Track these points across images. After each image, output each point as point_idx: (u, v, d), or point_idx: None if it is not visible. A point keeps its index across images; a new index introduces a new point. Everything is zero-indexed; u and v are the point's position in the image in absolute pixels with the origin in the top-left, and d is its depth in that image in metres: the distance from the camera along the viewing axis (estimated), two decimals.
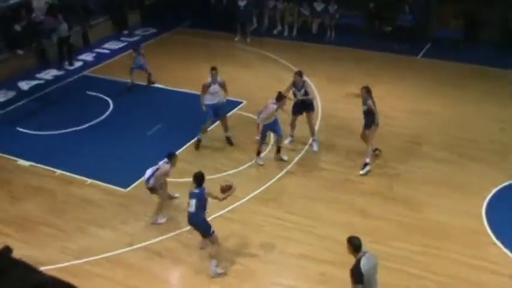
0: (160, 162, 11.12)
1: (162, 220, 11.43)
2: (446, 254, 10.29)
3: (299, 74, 13.62)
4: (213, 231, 9.78)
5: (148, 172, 11.16)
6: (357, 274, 7.43)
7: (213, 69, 13.75)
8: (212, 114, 13.92)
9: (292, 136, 14.17)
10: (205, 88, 13.70)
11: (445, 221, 11.19)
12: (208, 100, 13.74)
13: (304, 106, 13.68)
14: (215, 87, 13.69)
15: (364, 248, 7.64)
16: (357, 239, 7.67)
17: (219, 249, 10.06)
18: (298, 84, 13.55)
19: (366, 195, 12.10)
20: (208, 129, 14.33)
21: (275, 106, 12.81)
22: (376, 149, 13.47)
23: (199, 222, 9.77)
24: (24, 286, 1.06)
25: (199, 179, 9.76)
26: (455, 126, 14.94)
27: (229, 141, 14.35)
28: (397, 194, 12.15)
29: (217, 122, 14.44)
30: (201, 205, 9.70)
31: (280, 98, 12.90)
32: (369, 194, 12.14)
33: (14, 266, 1.11)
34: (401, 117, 15.36)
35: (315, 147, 13.89)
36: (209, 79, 13.72)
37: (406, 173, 12.91)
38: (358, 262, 7.51)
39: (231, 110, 15.78)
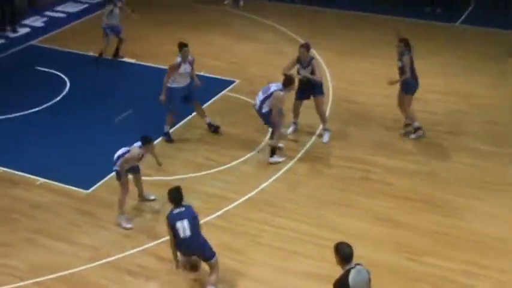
0: (134, 145, 11.29)
1: (127, 225, 11.41)
2: (493, 274, 10.19)
3: (306, 47, 13.53)
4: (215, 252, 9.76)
5: (119, 152, 11.37)
6: None
7: (185, 45, 13.65)
8: (179, 100, 13.87)
9: (295, 124, 14.17)
10: (174, 69, 13.59)
11: (492, 233, 11.07)
12: (177, 83, 13.67)
13: (310, 88, 13.64)
14: (186, 67, 13.66)
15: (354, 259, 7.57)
16: (348, 246, 7.57)
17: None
18: (304, 60, 13.50)
19: (390, 198, 12.05)
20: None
21: (282, 93, 12.77)
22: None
23: (201, 245, 9.61)
24: None
25: (177, 198, 9.64)
26: (501, 112, 14.94)
27: (213, 128, 14.33)
28: (429, 197, 12.10)
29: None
30: (196, 223, 9.58)
31: (288, 82, 12.82)
32: (393, 197, 12.08)
33: None
34: (435, 101, 15.34)
35: (325, 139, 13.88)
36: (178, 58, 13.62)
37: (441, 171, 12.88)
38: (346, 274, 7.45)
39: (220, 91, 15.79)
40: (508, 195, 12.09)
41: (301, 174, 12.91)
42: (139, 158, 11.38)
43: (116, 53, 18.17)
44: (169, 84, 13.64)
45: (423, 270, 10.20)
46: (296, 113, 14.03)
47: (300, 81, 13.57)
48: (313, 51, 17.22)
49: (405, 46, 13.33)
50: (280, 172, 12.92)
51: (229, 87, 16.23)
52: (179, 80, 13.66)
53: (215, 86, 16.09)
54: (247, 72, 16.72)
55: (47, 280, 10.33)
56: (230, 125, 14.55)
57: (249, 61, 17.52)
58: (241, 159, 13.32)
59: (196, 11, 21.30)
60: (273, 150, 13.25)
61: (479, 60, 17.35)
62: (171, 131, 14.16)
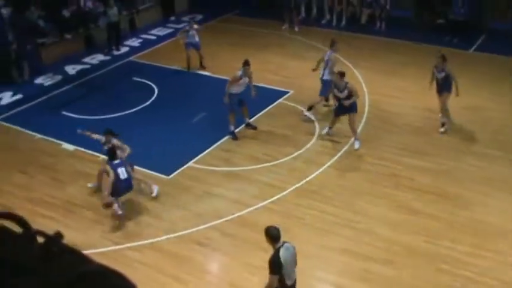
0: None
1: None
2: (498, 257, 9.98)
3: (340, 75, 13.29)
4: None
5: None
6: (275, 265, 7.39)
7: (247, 64, 13.73)
8: (237, 103, 13.95)
9: (330, 128, 13.87)
10: (236, 81, 13.71)
11: (497, 223, 10.84)
12: (236, 90, 13.76)
13: (347, 108, 13.37)
14: (245, 80, 13.76)
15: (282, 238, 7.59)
16: (275, 228, 7.58)
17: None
18: (339, 85, 13.23)
19: (414, 192, 11.85)
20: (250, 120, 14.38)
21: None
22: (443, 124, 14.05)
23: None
24: (71, 273, 1.04)
25: (112, 153, 11.02)
26: (507, 123, 14.49)
27: (251, 127, 14.40)
28: (444, 191, 11.88)
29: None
30: (129, 170, 11.12)
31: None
32: (417, 190, 11.88)
33: (64, 252, 1.10)
34: (453, 113, 14.99)
35: (356, 145, 13.50)
36: (239, 72, 13.73)
37: (457, 170, 12.61)
38: (276, 252, 7.44)
39: (277, 99, 15.76)
40: (508, 191, 11.80)
41: (340, 169, 12.78)
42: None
43: (201, 64, 18.42)
44: (230, 91, 13.70)
45: (438, 251, 10.04)
46: (333, 123, 13.80)
47: (338, 101, 13.36)
48: (353, 69, 17.15)
49: (443, 60, 13.71)
50: (324, 167, 12.81)
51: (284, 97, 16.14)
52: (238, 89, 13.73)
53: (273, 95, 16.06)
54: (298, 85, 16.62)
55: (136, 246, 10.51)
56: (284, 127, 14.47)
57: (300, 76, 17.39)
58: (292, 156, 13.23)
59: (259, 36, 21.25)
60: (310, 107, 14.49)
61: (491, 81, 16.89)
62: (236, 130, 14.12)
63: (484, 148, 13.46)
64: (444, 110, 13.98)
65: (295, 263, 7.71)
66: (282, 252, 7.44)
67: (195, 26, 18.38)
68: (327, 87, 14.19)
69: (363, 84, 16.71)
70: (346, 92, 13.11)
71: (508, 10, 20.18)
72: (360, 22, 22.13)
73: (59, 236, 1.13)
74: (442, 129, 14.03)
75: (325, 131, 13.92)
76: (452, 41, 19.96)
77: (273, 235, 7.52)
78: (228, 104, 13.84)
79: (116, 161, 10.92)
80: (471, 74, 17.35)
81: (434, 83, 13.94)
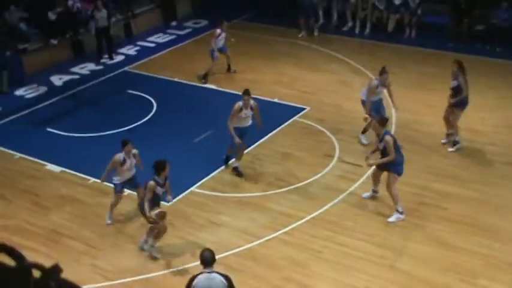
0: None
1: (108, 221, 12.12)
2: None
3: (380, 122, 12.28)
4: None
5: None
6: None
7: (246, 93, 13.32)
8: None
9: (374, 192, 12.83)
10: (236, 113, 13.30)
11: None
12: (237, 124, 13.38)
13: (387, 165, 12.15)
14: (247, 112, 13.40)
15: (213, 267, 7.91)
16: (209, 252, 7.99)
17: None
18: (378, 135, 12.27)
19: (446, 222, 11.89)
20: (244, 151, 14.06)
21: (376, 82, 14.07)
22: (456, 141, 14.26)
23: None
24: None
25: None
26: None
27: (236, 172, 13.83)
28: (484, 222, 11.90)
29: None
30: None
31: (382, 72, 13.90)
32: (449, 221, 11.92)
33: (62, 286, 1.17)
34: (492, 133, 15.07)
35: (391, 219, 12.25)
36: (240, 103, 13.33)
37: (496, 197, 12.65)
38: (192, 277, 7.88)
39: (292, 117, 15.85)
40: None
41: (362, 197, 12.82)
42: (120, 164, 11.70)
43: (228, 69, 18.86)
44: (233, 125, 13.29)
45: None
46: (376, 181, 12.63)
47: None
48: None
49: (459, 68, 13.61)
50: (344, 194, 12.88)
51: (300, 114, 16.22)
52: (240, 122, 13.39)
53: (287, 112, 16.17)
54: (316, 101, 16.72)
55: (131, 281, 10.60)
56: (299, 148, 14.58)
57: (318, 90, 17.51)
58: (308, 181, 13.32)
59: (271, 44, 21.41)
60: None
61: None
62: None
63: None
64: (455, 126, 14.17)
65: None
66: (199, 278, 7.75)
67: (225, 29, 18.62)
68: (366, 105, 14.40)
69: (389, 99, 16.75)
70: (382, 144, 11.85)
71: None
72: (387, 29, 22.25)
73: (56, 269, 1.20)
74: (451, 149, 14.27)
75: (367, 194, 12.93)
76: (495, 50, 20.04)
77: (202, 258, 7.95)
78: (231, 139, 13.44)
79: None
80: None
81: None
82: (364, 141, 14.68)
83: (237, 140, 13.15)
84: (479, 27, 20.90)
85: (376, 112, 13.88)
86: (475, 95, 15.80)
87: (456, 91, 13.68)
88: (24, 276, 1.15)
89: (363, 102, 14.55)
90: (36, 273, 1.18)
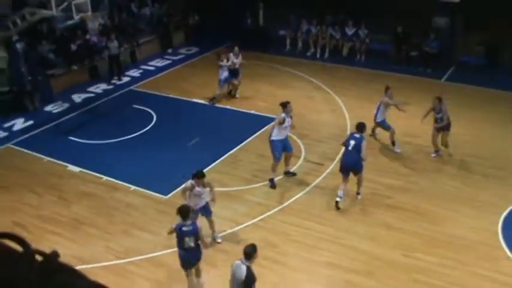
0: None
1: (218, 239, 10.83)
2: (464, 267, 10.09)
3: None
4: None
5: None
6: None
7: (285, 105, 12.55)
8: (282, 149, 12.74)
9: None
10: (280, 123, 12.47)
11: (463, 236, 10.97)
12: (277, 136, 12.58)
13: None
14: (289, 121, 12.62)
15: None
16: (252, 247, 7.85)
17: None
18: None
19: (391, 209, 11.92)
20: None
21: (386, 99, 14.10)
22: (437, 150, 14.05)
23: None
24: None
25: (184, 212, 8.94)
26: (475, 146, 14.65)
27: (290, 174, 13.34)
28: (422, 208, 11.94)
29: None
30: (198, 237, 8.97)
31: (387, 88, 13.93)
32: (394, 208, 11.95)
33: (61, 270, 1.10)
34: (425, 137, 15.09)
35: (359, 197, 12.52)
36: (283, 114, 12.52)
37: (428, 188, 12.70)
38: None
39: (266, 124, 15.77)
40: (476, 209, 11.90)
41: (325, 189, 12.76)
42: (191, 188, 10.22)
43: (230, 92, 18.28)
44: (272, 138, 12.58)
45: (413, 263, 10.08)
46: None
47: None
48: (336, 97, 17.20)
49: (440, 101, 13.57)
50: (309, 187, 12.82)
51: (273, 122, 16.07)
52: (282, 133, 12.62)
53: (262, 121, 16.06)
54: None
55: (137, 260, 10.46)
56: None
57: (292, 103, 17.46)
58: (279, 177, 13.23)
59: (250, 66, 21.28)
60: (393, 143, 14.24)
61: (459, 107, 16.90)
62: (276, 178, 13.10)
63: (453, 168, 13.58)
64: (446, 144, 13.98)
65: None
66: (233, 264, 7.79)
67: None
68: (385, 125, 14.37)
69: (345, 111, 16.79)
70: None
71: (475, 45, 20.37)
72: (342, 54, 22.26)
73: (55, 254, 1.14)
74: (434, 154, 14.06)
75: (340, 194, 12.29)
76: (426, 71, 20.14)
77: (244, 250, 7.85)
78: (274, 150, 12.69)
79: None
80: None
81: (432, 119, 13.90)
82: (398, 150, 14.30)
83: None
84: (414, 53, 21.03)
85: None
86: (414, 107, 15.90)
87: (442, 119, 13.54)
88: (29, 261, 1.10)
89: (381, 124, 14.40)
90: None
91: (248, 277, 7.65)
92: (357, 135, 11.70)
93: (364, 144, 11.60)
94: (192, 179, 10.25)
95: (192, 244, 8.85)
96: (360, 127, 11.85)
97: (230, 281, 7.94)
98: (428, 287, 9.58)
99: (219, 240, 10.90)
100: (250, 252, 7.73)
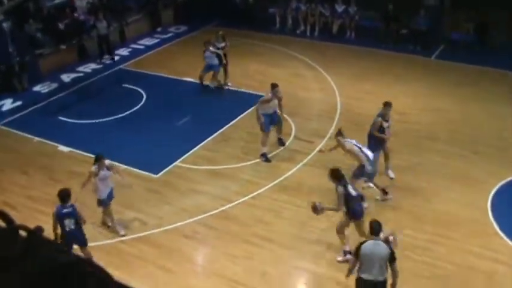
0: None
1: (121, 232, 10.64)
2: (454, 243, 10.16)
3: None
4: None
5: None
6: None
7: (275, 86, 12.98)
8: (269, 123, 13.07)
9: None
10: (265, 102, 12.93)
11: (453, 213, 11.03)
12: (263, 110, 12.93)
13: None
14: (275, 102, 12.99)
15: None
16: (378, 223, 7.89)
17: None
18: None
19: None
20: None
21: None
22: None
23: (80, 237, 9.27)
24: (52, 265, 1.04)
25: (64, 196, 9.10)
26: (464, 123, 14.68)
27: (281, 142, 13.65)
28: (408, 185, 11.99)
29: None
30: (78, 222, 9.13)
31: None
32: (383, 185, 11.95)
33: (44, 245, 1.10)
34: (414, 114, 15.15)
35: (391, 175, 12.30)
36: (270, 94, 12.94)
37: (418, 165, 12.73)
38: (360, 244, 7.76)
39: (256, 102, 15.72)
40: (465, 185, 11.96)
41: (314, 167, 12.76)
42: (96, 173, 10.17)
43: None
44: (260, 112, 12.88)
45: (404, 240, 10.09)
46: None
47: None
48: (326, 75, 17.19)
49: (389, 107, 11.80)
50: (299, 165, 12.85)
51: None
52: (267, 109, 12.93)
53: (252, 99, 15.91)
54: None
55: (128, 239, 10.54)
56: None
57: (277, 81, 17.30)
58: (270, 155, 13.20)
59: (239, 45, 21.14)
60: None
61: (448, 85, 17.02)
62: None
63: (441, 145, 13.60)
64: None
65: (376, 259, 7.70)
66: (367, 244, 7.70)
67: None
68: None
69: (335, 88, 16.78)
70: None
71: (464, 23, 20.36)
72: (332, 32, 22.17)
73: (39, 229, 1.13)
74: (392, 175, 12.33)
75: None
76: (416, 49, 20.12)
77: (370, 228, 7.87)
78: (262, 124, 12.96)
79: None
80: (433, 78, 17.53)
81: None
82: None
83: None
84: (404, 30, 20.92)
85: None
86: (403, 85, 15.93)
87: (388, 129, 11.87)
88: (13, 236, 1.10)
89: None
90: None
91: (392, 250, 7.77)
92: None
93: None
94: (94, 164, 10.19)
95: (73, 226, 9.03)
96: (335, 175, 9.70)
97: (363, 264, 7.80)
98: (417, 264, 9.64)
99: (122, 233, 10.63)
100: (380, 228, 7.85)
